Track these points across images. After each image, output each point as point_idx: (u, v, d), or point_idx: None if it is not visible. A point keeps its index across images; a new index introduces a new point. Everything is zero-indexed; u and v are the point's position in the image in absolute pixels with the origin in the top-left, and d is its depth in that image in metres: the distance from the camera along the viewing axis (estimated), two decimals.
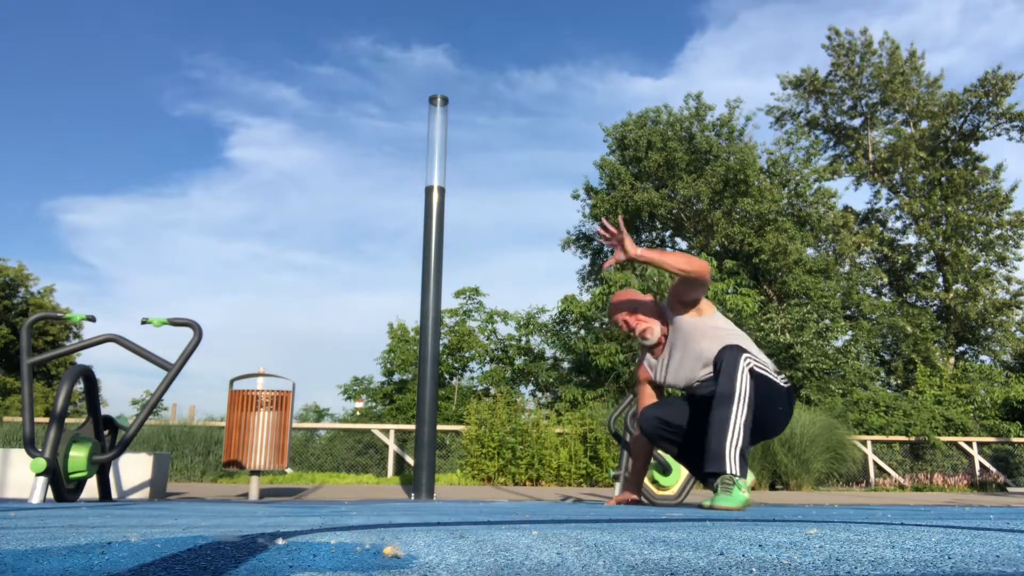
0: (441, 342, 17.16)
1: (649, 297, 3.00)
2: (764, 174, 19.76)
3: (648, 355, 3.00)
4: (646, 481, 4.47)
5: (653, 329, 2.90)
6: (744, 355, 2.64)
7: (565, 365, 17.81)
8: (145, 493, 4.83)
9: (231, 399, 4.93)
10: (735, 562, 0.73)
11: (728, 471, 2.46)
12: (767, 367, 2.78)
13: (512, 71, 37.63)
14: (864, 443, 13.12)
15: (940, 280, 22.59)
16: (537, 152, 39.24)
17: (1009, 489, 12.36)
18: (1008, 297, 22.01)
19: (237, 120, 39.55)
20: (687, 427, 2.87)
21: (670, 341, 2.89)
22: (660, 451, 4.57)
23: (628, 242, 2.71)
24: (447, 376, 18.79)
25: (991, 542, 0.92)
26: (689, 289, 2.78)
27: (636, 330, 2.90)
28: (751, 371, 2.62)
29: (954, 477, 12.98)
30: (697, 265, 2.68)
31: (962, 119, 22.52)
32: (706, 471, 2.55)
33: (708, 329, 2.79)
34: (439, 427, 10.98)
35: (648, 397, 3.03)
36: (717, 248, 19.64)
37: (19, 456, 4.68)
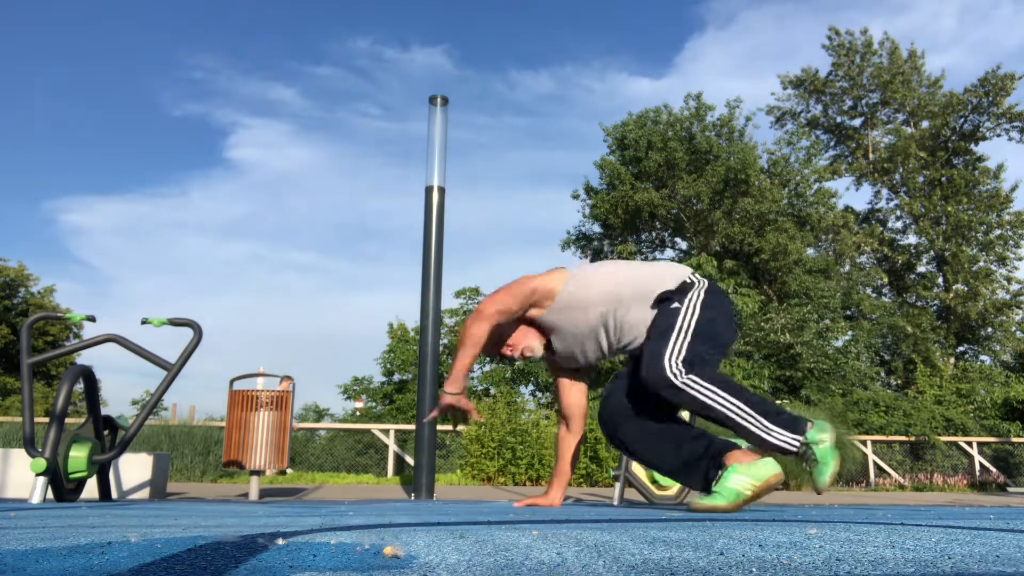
0: (441, 342, 17.15)
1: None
2: (764, 174, 19.77)
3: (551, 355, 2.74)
4: (646, 481, 4.47)
5: (531, 344, 2.64)
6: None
7: None
8: (145, 493, 4.83)
9: (231, 399, 4.93)
10: (735, 562, 0.73)
11: None
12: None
13: (512, 71, 37.67)
14: (864, 443, 13.12)
15: (940, 280, 22.60)
16: (537, 152, 39.28)
17: (1009, 489, 12.36)
18: (1008, 297, 22.03)
19: (237, 120, 39.60)
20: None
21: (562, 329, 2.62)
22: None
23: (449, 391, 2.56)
24: (447, 376, 18.77)
25: (991, 542, 0.92)
26: (506, 313, 2.53)
27: (516, 352, 2.65)
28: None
29: (954, 477, 12.98)
30: (469, 332, 2.51)
31: (962, 119, 22.53)
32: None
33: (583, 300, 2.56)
34: (439, 427, 10.97)
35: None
36: (717, 248, 19.66)
37: (19, 456, 4.68)
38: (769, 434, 2.20)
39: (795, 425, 2.21)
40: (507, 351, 2.66)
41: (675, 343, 2.33)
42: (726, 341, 2.46)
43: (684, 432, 2.43)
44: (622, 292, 2.50)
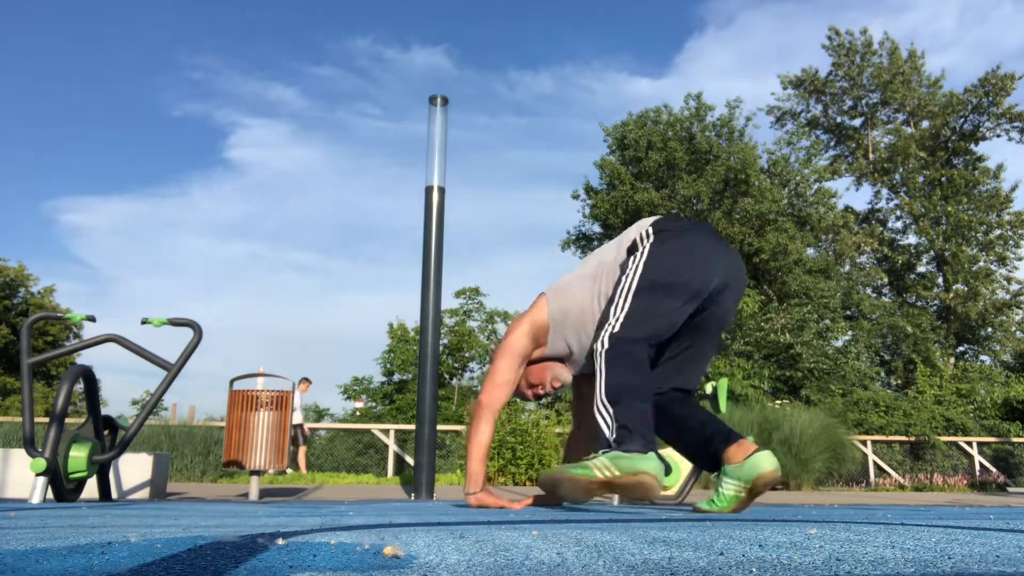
0: (441, 342, 17.16)
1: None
2: (764, 174, 19.77)
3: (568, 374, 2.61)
4: None
5: (557, 374, 2.51)
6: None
7: None
8: (145, 493, 4.83)
9: (231, 399, 4.93)
10: (735, 562, 0.73)
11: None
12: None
13: (511, 71, 37.70)
14: (864, 443, 13.12)
15: (940, 280, 22.60)
16: (537, 152, 39.30)
17: (1009, 489, 12.36)
18: (1008, 297, 22.02)
19: (236, 120, 39.66)
20: None
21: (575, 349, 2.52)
22: (660, 451, 4.56)
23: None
24: (447, 376, 18.79)
25: (991, 542, 0.92)
26: (510, 375, 2.42)
27: (547, 388, 2.53)
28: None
29: (954, 477, 12.99)
30: (476, 428, 2.41)
31: (962, 119, 22.53)
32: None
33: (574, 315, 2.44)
34: (439, 427, 10.98)
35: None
36: None
37: (19, 456, 4.68)
38: (607, 426, 2.00)
39: (629, 437, 1.97)
40: (539, 391, 2.53)
41: (613, 315, 2.18)
42: (686, 281, 2.19)
43: (690, 417, 2.29)
44: (599, 284, 2.38)
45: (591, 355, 2.45)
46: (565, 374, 2.51)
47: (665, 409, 2.29)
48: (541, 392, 2.54)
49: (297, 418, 11.17)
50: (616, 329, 2.15)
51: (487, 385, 2.45)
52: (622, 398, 2.04)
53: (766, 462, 2.09)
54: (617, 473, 1.93)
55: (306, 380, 11.69)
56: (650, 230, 2.31)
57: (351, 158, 40.54)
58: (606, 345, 2.13)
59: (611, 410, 2.03)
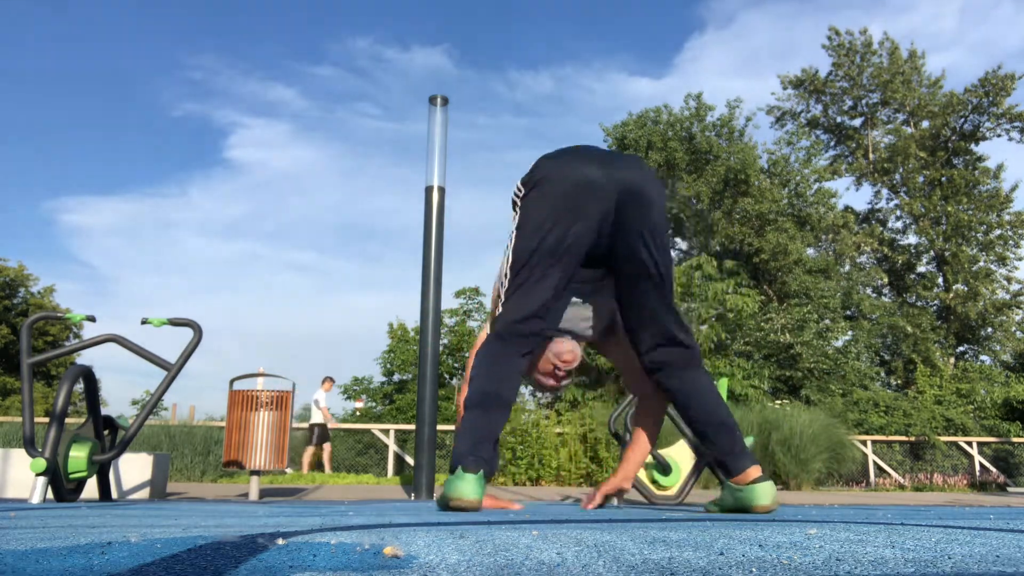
0: (441, 342, 17.16)
1: None
2: (764, 174, 19.77)
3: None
4: (646, 481, 4.47)
5: (555, 352, 2.26)
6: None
7: None
8: (145, 493, 4.83)
9: (231, 399, 4.93)
10: (735, 562, 0.73)
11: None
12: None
13: (511, 71, 37.70)
14: (864, 443, 13.12)
15: (940, 280, 22.59)
16: (537, 152, 38.79)
17: (1009, 489, 12.36)
18: (1008, 297, 22.01)
19: (236, 120, 39.63)
20: None
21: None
22: (660, 450, 4.56)
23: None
24: (447, 376, 18.78)
25: (991, 542, 0.92)
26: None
27: (559, 369, 2.30)
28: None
29: (954, 477, 12.99)
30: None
31: (962, 119, 22.51)
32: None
33: None
34: (439, 427, 10.97)
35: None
36: (717, 248, 19.66)
37: (19, 456, 4.68)
38: (457, 434, 1.96)
39: (466, 448, 1.93)
40: (559, 374, 2.31)
41: (499, 299, 2.09)
42: (546, 241, 1.97)
43: (697, 410, 2.17)
44: None
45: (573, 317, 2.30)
46: (559, 346, 2.30)
47: (679, 397, 2.19)
48: (560, 374, 2.32)
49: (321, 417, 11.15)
50: (499, 312, 2.07)
51: (464, 387, 2.31)
52: (474, 406, 1.99)
53: (765, 497, 2.03)
54: (444, 492, 1.93)
55: (330, 379, 11.62)
56: (520, 187, 2.09)
57: (351, 158, 40.55)
58: (490, 334, 2.08)
59: (464, 418, 1.99)
